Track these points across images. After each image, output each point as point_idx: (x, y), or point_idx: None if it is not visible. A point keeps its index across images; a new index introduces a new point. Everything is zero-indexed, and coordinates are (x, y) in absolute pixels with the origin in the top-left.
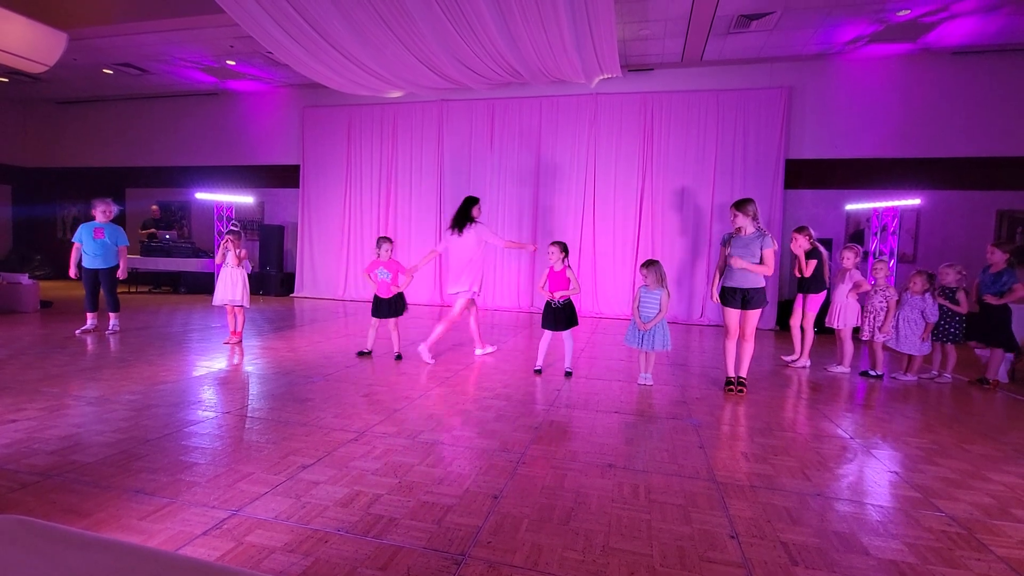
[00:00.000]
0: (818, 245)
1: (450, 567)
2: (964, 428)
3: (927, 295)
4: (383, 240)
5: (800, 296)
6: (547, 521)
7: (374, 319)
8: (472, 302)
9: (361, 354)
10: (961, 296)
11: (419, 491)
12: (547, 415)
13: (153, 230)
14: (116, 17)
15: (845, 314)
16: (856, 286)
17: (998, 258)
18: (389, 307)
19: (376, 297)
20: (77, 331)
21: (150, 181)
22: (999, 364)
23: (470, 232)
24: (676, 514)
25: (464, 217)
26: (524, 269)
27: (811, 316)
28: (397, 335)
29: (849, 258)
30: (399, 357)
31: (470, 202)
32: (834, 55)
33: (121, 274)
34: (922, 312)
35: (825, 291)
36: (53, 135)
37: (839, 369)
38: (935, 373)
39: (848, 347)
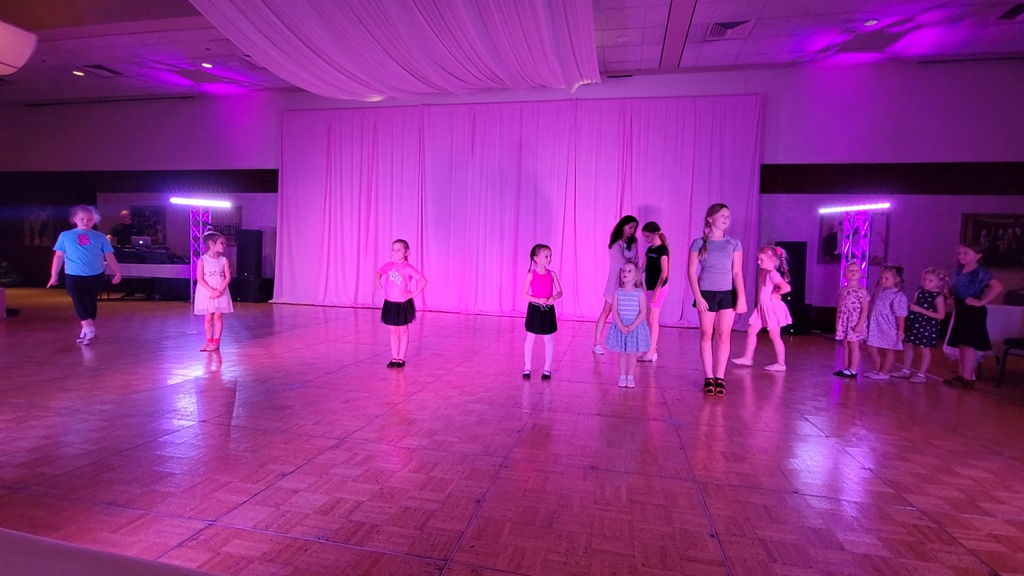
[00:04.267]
0: (665, 239)
1: (433, 572)
2: (934, 425)
3: (896, 290)
4: (395, 242)
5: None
6: (530, 524)
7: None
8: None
9: (392, 364)
10: (939, 301)
11: (401, 497)
12: (529, 418)
13: (116, 238)
14: (87, 18)
15: (775, 314)
16: (776, 288)
17: (970, 258)
18: (398, 312)
19: (386, 301)
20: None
21: (123, 185)
22: (973, 363)
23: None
24: (657, 514)
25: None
26: (506, 273)
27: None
28: (402, 342)
29: (765, 260)
30: (396, 364)
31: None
32: (806, 63)
33: (117, 279)
34: (890, 305)
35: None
36: (21, 138)
37: (775, 368)
38: (906, 372)
39: (780, 346)
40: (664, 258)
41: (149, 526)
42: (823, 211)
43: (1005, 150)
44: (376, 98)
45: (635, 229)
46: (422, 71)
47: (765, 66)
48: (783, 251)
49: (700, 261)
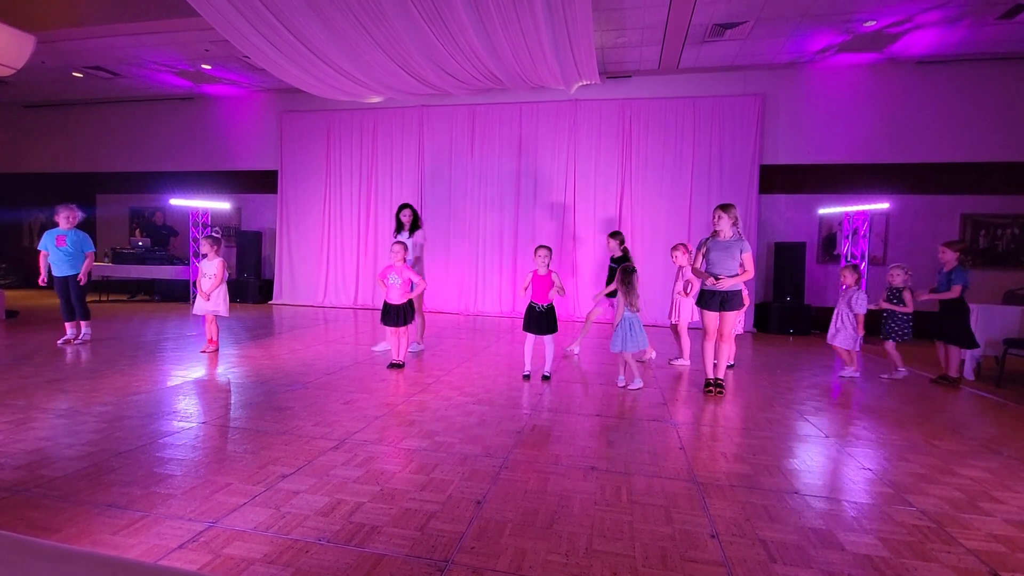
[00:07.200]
0: (629, 251)
1: (434, 574)
2: (933, 425)
3: (856, 288)
4: (394, 244)
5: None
6: (530, 525)
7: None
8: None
9: (392, 365)
10: (906, 295)
11: (401, 498)
12: (530, 419)
13: (151, 239)
14: (86, 20)
15: (680, 310)
16: (687, 284)
17: (949, 257)
18: (397, 314)
19: (385, 303)
20: (59, 342)
21: (122, 187)
22: (957, 361)
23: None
24: (658, 515)
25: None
26: (506, 274)
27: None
28: (402, 343)
29: (678, 257)
30: (396, 365)
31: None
32: (805, 64)
33: (80, 279)
34: (848, 303)
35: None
36: (20, 139)
37: (680, 362)
38: (896, 373)
39: (685, 341)
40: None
41: (149, 528)
42: (822, 211)
43: (1004, 150)
44: (375, 99)
45: (410, 217)
46: (421, 72)
47: (764, 67)
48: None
49: (701, 258)
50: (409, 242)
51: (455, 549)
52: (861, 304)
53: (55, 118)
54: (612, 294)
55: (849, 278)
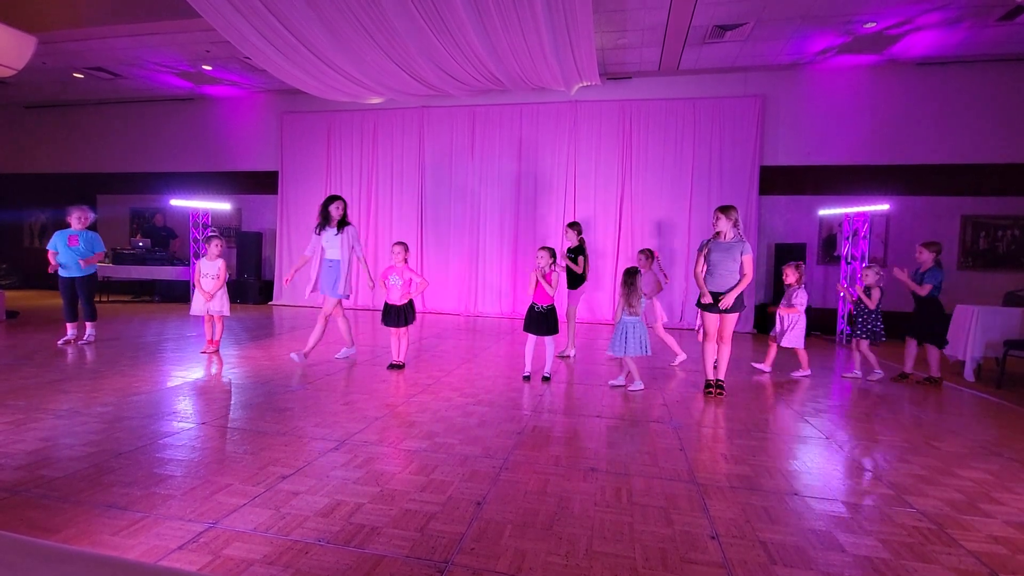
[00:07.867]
0: (585, 241)
1: (433, 575)
2: (933, 426)
3: (798, 287)
4: (395, 244)
5: (569, 291)
6: (530, 526)
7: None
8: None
9: (392, 366)
10: (875, 293)
11: (401, 499)
12: (530, 420)
13: (151, 240)
14: (87, 20)
15: (652, 313)
16: (657, 285)
17: (926, 257)
18: (398, 315)
19: (386, 304)
20: (59, 342)
21: (123, 187)
22: (937, 361)
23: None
24: (658, 516)
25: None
26: (506, 275)
27: (574, 308)
28: (402, 344)
29: (642, 261)
30: (396, 366)
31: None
32: (805, 65)
33: (84, 263)
34: (789, 299)
35: (584, 284)
36: (21, 140)
37: (678, 359)
38: (858, 373)
39: (670, 340)
40: (579, 257)
41: (149, 528)
42: (823, 213)
43: (1004, 151)
44: (376, 100)
45: (341, 210)
46: (422, 73)
47: (764, 68)
48: (658, 254)
49: (703, 260)
50: (338, 239)
51: (455, 550)
52: (802, 300)
53: (56, 119)
54: (575, 283)
55: (791, 276)
